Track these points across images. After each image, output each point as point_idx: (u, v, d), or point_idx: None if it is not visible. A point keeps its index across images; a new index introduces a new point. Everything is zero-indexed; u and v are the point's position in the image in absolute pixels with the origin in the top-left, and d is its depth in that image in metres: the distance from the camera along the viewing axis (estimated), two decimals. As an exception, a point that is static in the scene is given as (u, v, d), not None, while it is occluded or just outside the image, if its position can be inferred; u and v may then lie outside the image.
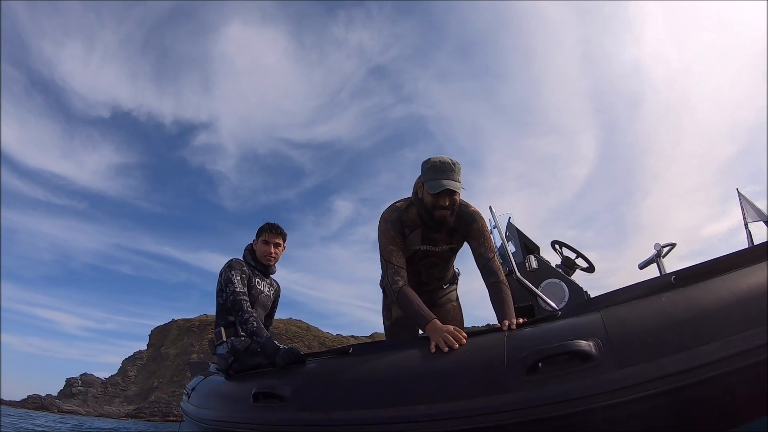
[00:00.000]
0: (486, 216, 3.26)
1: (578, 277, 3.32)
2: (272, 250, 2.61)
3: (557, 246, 3.36)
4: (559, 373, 1.35)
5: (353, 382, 1.70)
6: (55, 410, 42.11)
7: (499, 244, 3.16)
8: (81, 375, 51.21)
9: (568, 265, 3.25)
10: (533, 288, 2.87)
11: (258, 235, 2.66)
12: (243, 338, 2.41)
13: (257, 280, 2.59)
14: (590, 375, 1.30)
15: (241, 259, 2.63)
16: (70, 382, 50.10)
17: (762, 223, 2.95)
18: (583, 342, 1.35)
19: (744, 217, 3.43)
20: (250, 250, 2.68)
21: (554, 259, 3.42)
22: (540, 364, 1.37)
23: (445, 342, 1.61)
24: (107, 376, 53.02)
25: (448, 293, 2.52)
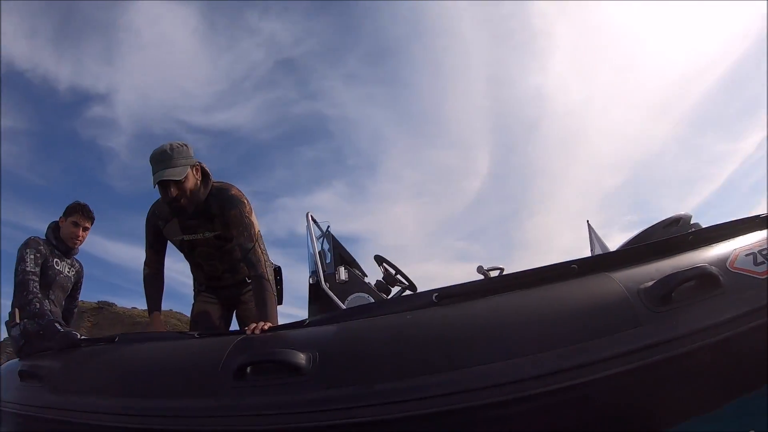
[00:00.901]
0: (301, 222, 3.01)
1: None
2: (80, 233, 2.53)
3: (380, 262, 3.20)
4: (263, 382, 1.28)
5: (105, 369, 1.70)
6: None
7: (310, 252, 2.98)
8: None
9: (389, 281, 3.10)
10: (336, 299, 2.65)
11: (67, 214, 2.51)
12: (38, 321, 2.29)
13: (56, 260, 2.49)
14: (291, 390, 1.22)
15: (41, 237, 2.50)
16: None
17: None
18: (295, 354, 1.25)
19: (592, 249, 3.69)
20: (53, 228, 2.54)
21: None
22: (249, 370, 1.29)
23: None
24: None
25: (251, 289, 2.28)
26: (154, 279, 2.17)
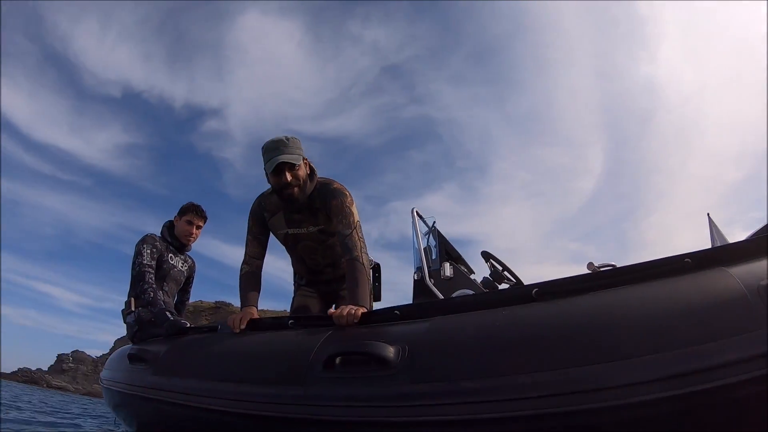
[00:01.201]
0: (406, 219, 3.06)
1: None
2: (194, 230, 2.77)
3: (487, 258, 3.11)
4: (351, 374, 1.31)
5: (204, 355, 1.82)
6: (44, 385, 42.48)
7: (415, 248, 3.02)
8: (72, 352, 50.77)
9: (496, 278, 2.99)
10: (439, 295, 2.66)
11: (181, 213, 2.77)
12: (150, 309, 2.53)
13: (170, 255, 2.74)
14: (378, 382, 1.22)
15: (157, 234, 2.75)
16: (61, 358, 49.78)
17: None
18: (384, 347, 1.26)
19: (712, 243, 3.22)
20: (168, 226, 2.81)
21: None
22: (338, 361, 1.33)
23: (234, 322, 1.81)
24: (99, 354, 52.34)
25: None
26: (252, 277, 2.10)
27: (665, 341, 0.98)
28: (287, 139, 1.93)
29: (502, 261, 2.99)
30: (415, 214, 3.09)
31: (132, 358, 2.16)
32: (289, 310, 2.43)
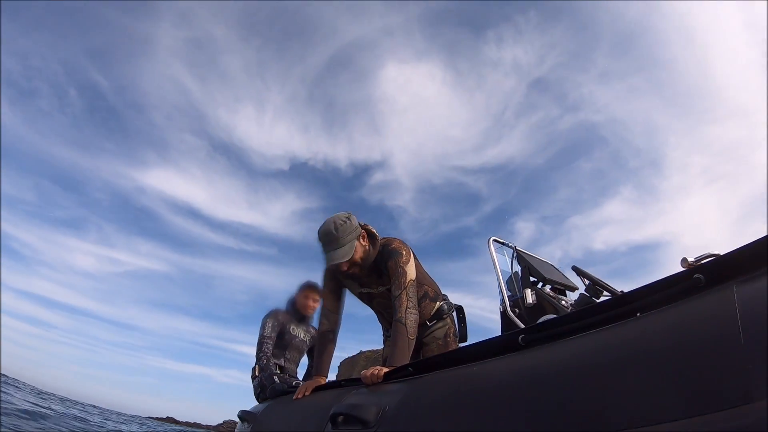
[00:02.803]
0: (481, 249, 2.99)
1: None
2: (311, 303, 3.20)
3: (579, 273, 2.83)
4: (344, 430, 1.41)
5: (278, 415, 2.14)
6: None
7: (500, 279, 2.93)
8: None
9: (592, 293, 2.70)
10: (519, 324, 2.55)
11: (301, 290, 3.26)
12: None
13: (292, 327, 3.17)
14: None
15: (281, 309, 3.24)
16: (260, 411, 57.42)
17: None
18: (365, 409, 1.34)
19: None
20: (291, 301, 3.29)
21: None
22: (340, 419, 1.44)
23: (299, 390, 1.98)
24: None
25: (432, 331, 2.38)
26: (327, 336, 2.19)
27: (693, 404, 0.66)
28: (336, 229, 1.98)
29: (592, 275, 2.69)
30: (491, 244, 2.99)
31: (242, 417, 2.52)
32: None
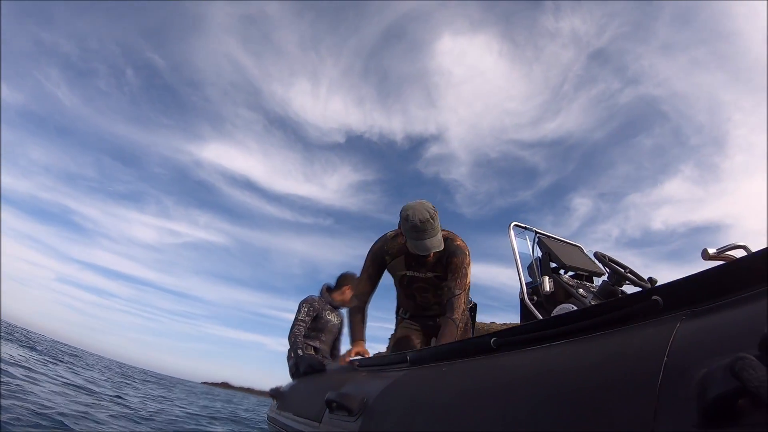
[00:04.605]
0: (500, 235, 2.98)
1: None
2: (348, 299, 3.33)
3: (601, 259, 2.76)
4: (336, 417, 1.48)
5: (301, 391, 2.39)
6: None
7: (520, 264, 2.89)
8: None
9: (615, 280, 2.63)
10: (536, 313, 2.55)
11: (340, 284, 3.51)
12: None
13: (326, 312, 3.44)
14: (345, 428, 1.36)
15: (316, 295, 3.48)
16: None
17: None
18: (349, 398, 1.41)
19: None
20: (326, 289, 3.54)
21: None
22: (334, 405, 1.50)
23: (341, 357, 2.25)
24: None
25: None
26: (359, 311, 2.30)
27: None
28: (433, 218, 2.00)
29: (618, 260, 2.62)
30: (511, 229, 2.96)
31: (272, 393, 2.90)
32: (389, 341, 2.70)
